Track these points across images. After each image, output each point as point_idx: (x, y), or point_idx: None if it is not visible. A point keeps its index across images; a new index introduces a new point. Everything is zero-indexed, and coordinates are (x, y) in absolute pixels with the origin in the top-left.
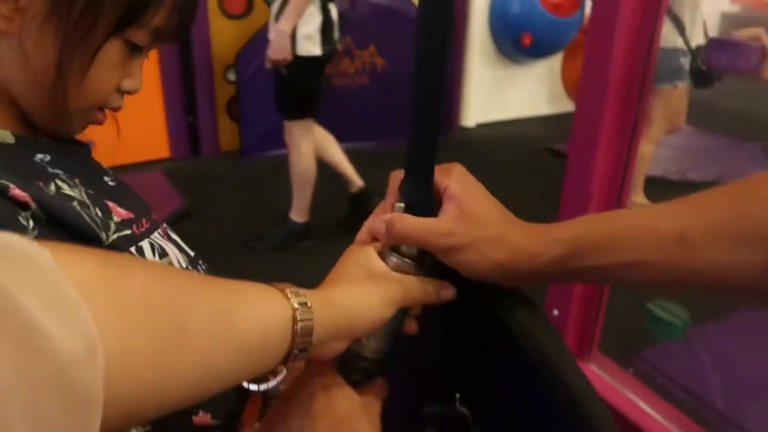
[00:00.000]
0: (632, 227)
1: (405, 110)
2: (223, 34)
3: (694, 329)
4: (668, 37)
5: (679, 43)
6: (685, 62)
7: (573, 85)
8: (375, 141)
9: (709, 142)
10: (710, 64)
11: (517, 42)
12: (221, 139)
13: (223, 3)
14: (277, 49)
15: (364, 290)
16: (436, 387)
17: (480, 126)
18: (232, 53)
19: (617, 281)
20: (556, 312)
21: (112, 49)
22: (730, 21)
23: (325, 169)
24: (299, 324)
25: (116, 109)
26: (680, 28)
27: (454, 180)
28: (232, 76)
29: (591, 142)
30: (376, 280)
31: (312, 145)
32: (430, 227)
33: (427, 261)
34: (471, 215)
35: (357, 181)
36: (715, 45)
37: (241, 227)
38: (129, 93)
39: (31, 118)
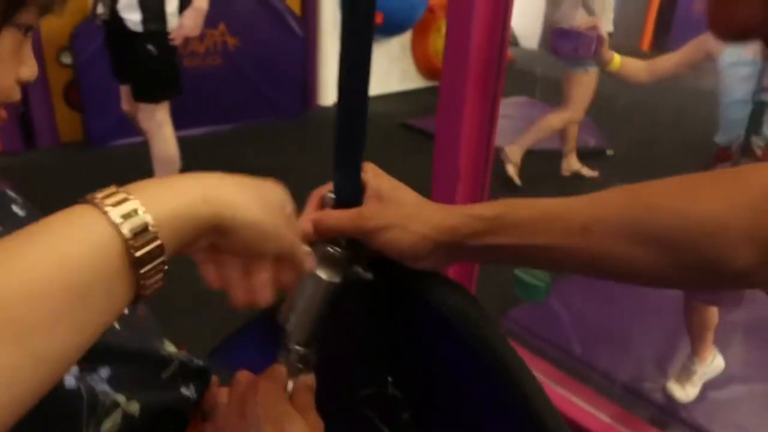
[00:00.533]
0: (547, 213)
1: (259, 91)
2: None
3: (553, 288)
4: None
5: None
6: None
7: (423, 62)
8: (229, 124)
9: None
10: (556, 52)
11: None
12: (60, 130)
13: None
14: (197, 26)
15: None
16: (369, 370)
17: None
18: (66, 33)
19: (530, 261)
20: None
21: (6, 40)
22: None
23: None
24: (135, 253)
25: (17, 102)
26: (591, 14)
27: (369, 175)
28: (67, 59)
29: (456, 118)
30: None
31: (172, 128)
32: (352, 214)
33: (354, 248)
34: (389, 199)
35: None
36: (559, 34)
37: None
38: (28, 82)
39: None
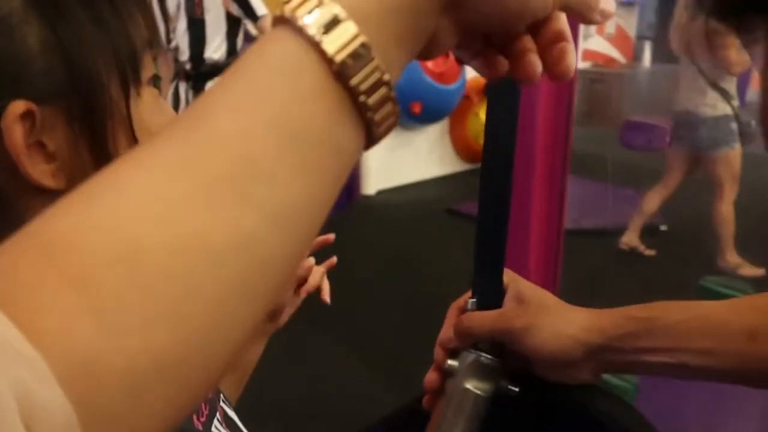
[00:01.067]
0: (705, 316)
1: None
2: None
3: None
4: (719, 106)
5: (728, 110)
6: (735, 126)
7: (462, 146)
8: None
9: (589, 189)
10: (627, 144)
11: (407, 110)
12: None
13: None
14: None
15: None
16: None
17: (380, 193)
18: None
19: (685, 367)
20: None
21: (146, 98)
22: (582, 76)
23: None
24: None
25: None
26: (727, 97)
27: (506, 278)
28: None
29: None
30: None
31: None
32: (495, 314)
33: (504, 352)
34: (530, 300)
35: None
36: (629, 127)
37: None
38: None
39: None
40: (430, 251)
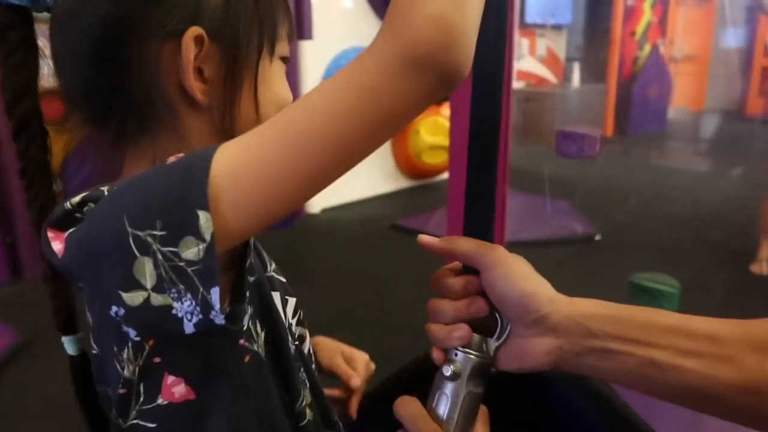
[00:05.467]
0: (687, 320)
1: None
2: None
3: None
4: None
5: None
6: None
7: (404, 163)
8: None
9: (525, 202)
10: (561, 153)
11: None
12: None
13: None
14: None
15: None
16: None
17: (325, 211)
18: (56, 162)
19: (651, 364)
20: None
21: (277, 71)
22: (517, 96)
23: None
24: None
25: None
26: None
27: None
28: (56, 187)
29: None
30: None
31: None
32: (478, 241)
33: (492, 348)
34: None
35: None
36: (563, 136)
37: None
38: (286, 103)
39: None
40: (377, 266)
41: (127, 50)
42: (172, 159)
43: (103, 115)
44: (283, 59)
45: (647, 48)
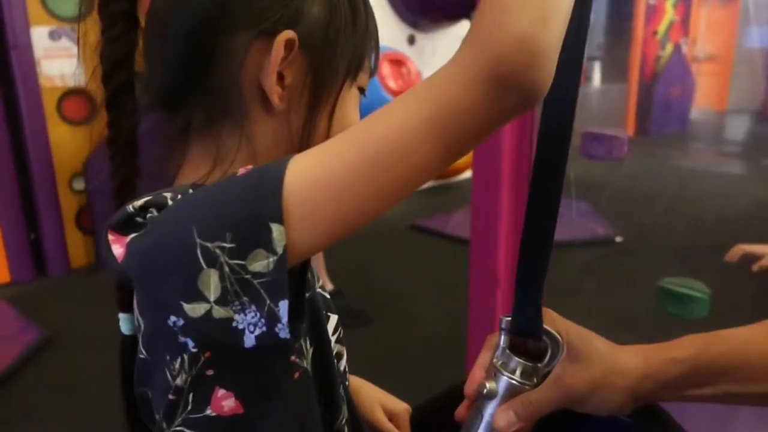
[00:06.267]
0: (743, 348)
1: None
2: (64, 140)
3: None
4: None
5: None
6: None
7: None
8: None
9: None
10: (587, 155)
11: None
12: (72, 256)
13: (62, 109)
14: None
15: None
16: None
17: None
18: (79, 161)
19: (726, 395)
20: None
21: (353, 98)
22: None
23: None
24: None
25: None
26: None
27: (548, 318)
28: (79, 185)
29: (491, 223)
30: None
31: None
32: (553, 385)
33: (541, 374)
34: (584, 357)
35: None
36: (590, 137)
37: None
38: None
39: None
40: (396, 267)
41: (216, 37)
42: (242, 171)
43: (177, 100)
44: (361, 90)
45: (669, 47)
